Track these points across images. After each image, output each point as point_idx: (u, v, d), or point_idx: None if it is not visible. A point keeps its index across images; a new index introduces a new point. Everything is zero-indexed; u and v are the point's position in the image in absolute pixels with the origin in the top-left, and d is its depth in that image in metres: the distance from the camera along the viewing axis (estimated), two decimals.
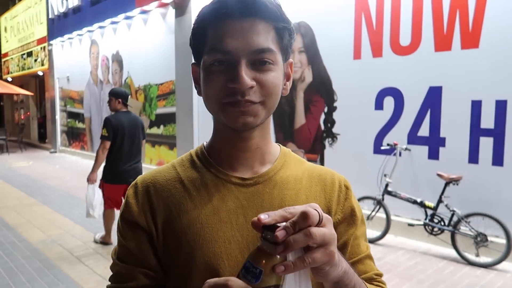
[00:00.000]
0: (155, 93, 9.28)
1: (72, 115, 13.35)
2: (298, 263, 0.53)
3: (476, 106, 4.49)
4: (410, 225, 4.75)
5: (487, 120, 4.42)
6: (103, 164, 4.51)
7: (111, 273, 0.82)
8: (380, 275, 0.86)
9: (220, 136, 0.82)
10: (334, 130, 5.81)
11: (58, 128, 14.47)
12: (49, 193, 7.36)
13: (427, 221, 4.55)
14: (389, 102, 5.20)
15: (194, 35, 0.80)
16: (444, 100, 4.73)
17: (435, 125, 4.82)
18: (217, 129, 0.83)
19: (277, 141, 6.61)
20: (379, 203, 4.82)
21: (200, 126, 8.03)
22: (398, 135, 5.10)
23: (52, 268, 4.10)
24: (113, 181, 4.38)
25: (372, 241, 4.75)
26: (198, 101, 8.00)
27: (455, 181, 4.36)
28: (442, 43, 4.70)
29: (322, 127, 5.95)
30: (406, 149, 4.98)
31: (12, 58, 17.75)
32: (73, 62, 12.88)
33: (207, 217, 0.76)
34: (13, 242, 4.85)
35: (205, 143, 0.88)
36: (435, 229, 4.52)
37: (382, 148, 5.10)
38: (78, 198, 6.97)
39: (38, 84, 17.35)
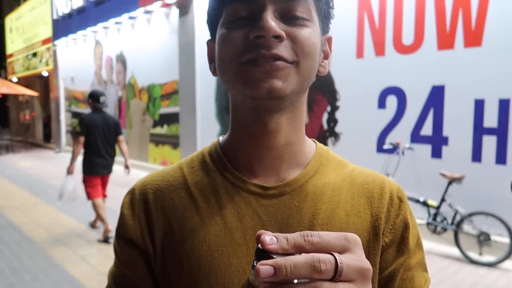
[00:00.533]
0: (159, 93, 9.31)
1: (77, 115, 13.42)
2: None
3: (479, 105, 4.47)
4: None
5: (490, 119, 4.41)
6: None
7: None
8: None
9: (237, 127, 0.64)
10: (337, 129, 5.81)
11: (63, 128, 14.56)
12: (54, 193, 7.39)
13: (430, 220, 4.55)
14: (392, 101, 5.19)
15: (211, 4, 0.64)
16: (447, 99, 4.72)
17: (438, 124, 4.80)
18: (235, 117, 0.64)
19: None
20: None
21: (203, 125, 8.05)
22: (401, 134, 5.09)
23: (56, 267, 4.13)
24: (89, 173, 4.85)
25: None
26: (201, 100, 8.02)
27: (458, 180, 4.35)
28: (445, 41, 4.68)
29: (325, 126, 5.95)
30: (409, 148, 4.97)
31: (17, 58, 17.87)
32: (78, 63, 12.94)
33: (217, 237, 0.60)
34: (17, 242, 4.89)
35: (221, 139, 0.70)
36: (438, 228, 4.51)
37: (385, 147, 5.10)
38: (82, 197, 7.01)
39: (43, 85, 17.45)
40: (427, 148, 4.91)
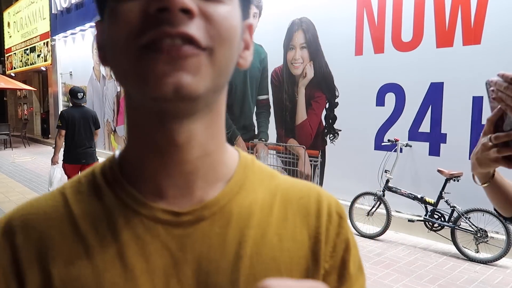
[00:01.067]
0: None
1: None
2: None
3: (477, 102, 4.49)
4: (411, 221, 4.76)
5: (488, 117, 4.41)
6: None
7: None
8: None
9: (137, 136, 0.48)
10: (336, 126, 5.82)
11: None
12: (52, 188, 7.41)
13: (427, 217, 4.57)
14: (390, 98, 5.20)
15: None
16: (445, 96, 4.73)
17: (436, 121, 4.82)
18: (133, 122, 0.48)
19: (278, 138, 6.51)
20: (380, 199, 4.84)
21: None
22: (399, 131, 5.11)
23: None
24: (70, 162, 5.29)
25: (373, 236, 4.77)
26: None
27: (456, 177, 4.37)
28: (444, 39, 4.69)
29: (324, 123, 5.96)
30: (407, 145, 4.99)
31: (15, 53, 17.81)
32: (76, 58, 12.91)
33: (115, 285, 0.45)
34: None
35: (117, 152, 0.53)
36: (435, 225, 4.53)
37: (383, 144, 5.11)
38: None
39: (41, 80, 17.41)
40: (425, 145, 4.93)
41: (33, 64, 15.88)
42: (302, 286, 0.37)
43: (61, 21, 13.13)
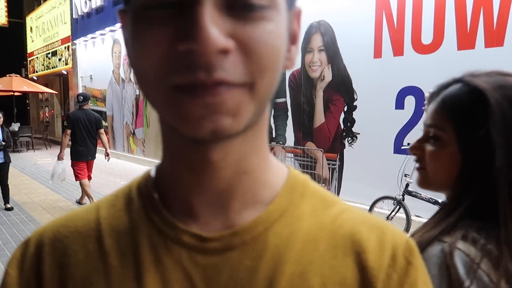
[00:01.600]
0: None
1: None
2: None
3: None
4: None
5: None
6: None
7: None
8: None
9: (171, 152, 0.45)
10: (354, 129, 5.78)
11: None
12: (73, 190, 7.53)
13: None
14: (410, 101, 5.15)
15: None
16: None
17: None
18: (167, 139, 0.44)
19: (296, 142, 6.50)
20: (399, 203, 4.78)
21: None
22: (419, 135, 5.01)
23: None
24: (76, 159, 5.89)
25: None
26: None
27: None
28: (465, 41, 4.62)
29: (342, 126, 5.93)
30: None
31: (37, 57, 18.23)
32: (96, 61, 13.14)
33: None
34: None
35: (153, 169, 0.50)
36: None
37: (403, 147, 5.06)
38: (101, 194, 7.14)
39: (62, 83, 17.77)
40: None
41: (55, 67, 16.23)
42: None
43: (81, 26, 13.39)
